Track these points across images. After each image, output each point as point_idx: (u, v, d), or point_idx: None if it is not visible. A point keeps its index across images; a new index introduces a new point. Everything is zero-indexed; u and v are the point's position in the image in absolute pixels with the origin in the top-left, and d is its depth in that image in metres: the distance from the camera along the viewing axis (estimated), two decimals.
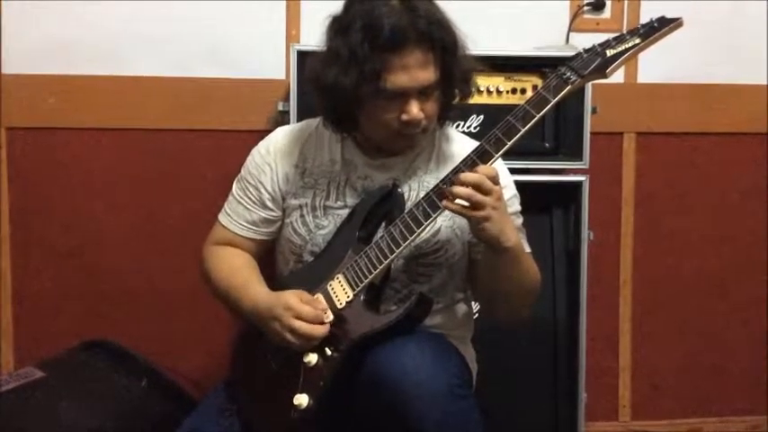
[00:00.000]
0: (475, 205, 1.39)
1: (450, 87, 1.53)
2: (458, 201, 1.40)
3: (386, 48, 1.43)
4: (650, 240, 2.47)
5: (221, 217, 1.70)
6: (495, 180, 1.40)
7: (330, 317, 1.47)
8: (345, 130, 1.59)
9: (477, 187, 1.39)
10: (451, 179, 1.43)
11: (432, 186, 1.49)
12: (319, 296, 1.51)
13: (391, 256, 1.47)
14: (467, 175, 1.40)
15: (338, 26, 1.49)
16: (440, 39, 1.47)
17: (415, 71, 1.45)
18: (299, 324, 1.44)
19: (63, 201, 2.29)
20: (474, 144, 1.53)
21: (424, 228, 1.46)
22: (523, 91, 2.06)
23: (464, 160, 1.45)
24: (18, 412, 1.75)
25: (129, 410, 1.86)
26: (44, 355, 2.03)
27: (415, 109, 1.47)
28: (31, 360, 2.03)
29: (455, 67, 1.51)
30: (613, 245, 2.45)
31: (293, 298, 1.47)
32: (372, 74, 1.43)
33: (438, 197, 1.44)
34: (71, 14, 2.23)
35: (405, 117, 1.48)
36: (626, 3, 2.38)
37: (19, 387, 1.83)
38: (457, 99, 1.58)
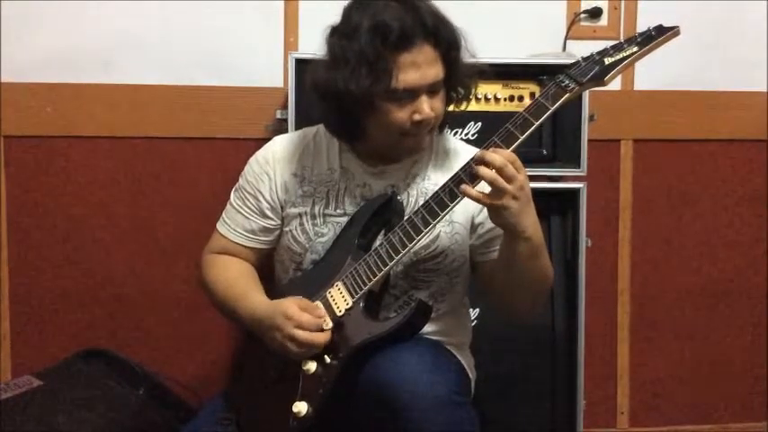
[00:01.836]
0: (497, 191, 1.37)
1: (454, 85, 1.54)
2: (477, 188, 1.39)
3: (396, 46, 1.43)
4: (648, 247, 2.47)
5: (220, 226, 1.70)
6: (516, 167, 1.38)
7: (330, 324, 1.47)
8: (352, 138, 1.59)
9: (501, 171, 1.37)
10: (476, 160, 1.40)
11: (430, 193, 1.50)
12: (318, 303, 1.51)
13: (390, 264, 1.47)
14: (493, 157, 1.38)
15: (342, 32, 1.49)
16: (445, 35, 1.48)
17: (425, 68, 1.46)
18: (299, 333, 1.44)
19: (61, 209, 2.28)
20: (472, 150, 1.53)
21: (423, 235, 1.46)
22: (521, 98, 2.07)
23: (463, 168, 1.45)
24: (16, 421, 1.74)
25: (127, 419, 1.85)
26: (42, 364, 2.02)
27: (426, 107, 1.48)
28: (28, 369, 2.03)
29: (459, 64, 1.52)
30: (611, 252, 2.45)
31: (292, 306, 1.47)
32: (383, 73, 1.43)
33: (456, 185, 1.42)
34: (69, 23, 2.22)
35: (417, 117, 1.48)
36: (623, 10, 2.39)
37: (17, 396, 1.83)
38: (455, 101, 1.58)
